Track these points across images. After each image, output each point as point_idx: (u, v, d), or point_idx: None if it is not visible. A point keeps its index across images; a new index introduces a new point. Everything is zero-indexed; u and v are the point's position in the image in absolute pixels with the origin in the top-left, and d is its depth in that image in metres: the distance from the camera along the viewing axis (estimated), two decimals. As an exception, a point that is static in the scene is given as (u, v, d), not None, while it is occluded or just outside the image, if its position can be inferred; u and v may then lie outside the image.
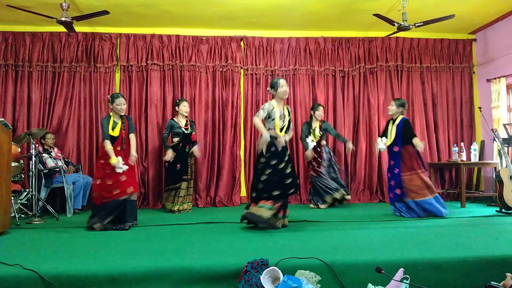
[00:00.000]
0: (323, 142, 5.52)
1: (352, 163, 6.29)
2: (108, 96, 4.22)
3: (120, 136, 4.06)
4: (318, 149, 5.47)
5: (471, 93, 6.57)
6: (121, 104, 4.07)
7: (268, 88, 3.94)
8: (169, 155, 5.11)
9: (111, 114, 4.11)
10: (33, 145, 4.56)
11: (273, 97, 3.89)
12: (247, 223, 3.84)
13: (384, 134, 4.77)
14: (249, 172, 6.15)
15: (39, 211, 4.64)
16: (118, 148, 4.03)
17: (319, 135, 5.51)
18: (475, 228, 3.75)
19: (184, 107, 5.28)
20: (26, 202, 4.75)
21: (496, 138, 5.00)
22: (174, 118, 5.33)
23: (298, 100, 6.26)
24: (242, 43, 6.31)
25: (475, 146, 5.74)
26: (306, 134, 5.54)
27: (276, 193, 3.69)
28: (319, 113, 5.52)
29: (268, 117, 3.80)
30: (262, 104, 4.02)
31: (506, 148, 5.08)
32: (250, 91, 6.23)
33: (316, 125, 5.54)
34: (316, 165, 5.44)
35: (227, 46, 6.24)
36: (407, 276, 2.22)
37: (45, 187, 5.00)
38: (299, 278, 2.25)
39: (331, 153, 5.65)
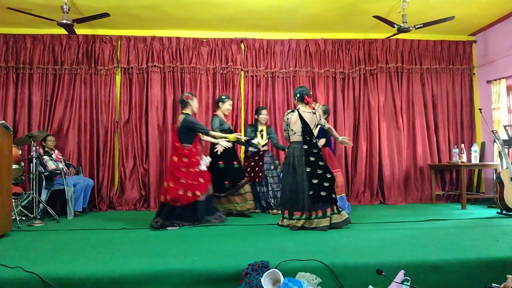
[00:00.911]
0: (266, 148, 5.26)
1: (353, 164, 6.29)
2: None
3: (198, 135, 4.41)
4: (261, 152, 5.20)
5: (471, 95, 6.57)
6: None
7: (309, 95, 4.12)
8: (225, 143, 4.51)
9: (189, 113, 4.37)
10: (34, 148, 4.56)
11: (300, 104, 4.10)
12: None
13: None
14: (250, 174, 6.14)
15: (40, 214, 4.64)
16: (199, 147, 4.33)
17: (267, 138, 5.29)
18: (476, 230, 3.75)
19: (230, 106, 5.12)
20: (27, 204, 4.75)
21: (496, 140, 4.99)
22: (217, 114, 5.07)
23: (298, 102, 6.25)
24: (242, 45, 6.32)
25: (475, 148, 5.74)
26: (250, 136, 5.24)
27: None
28: (263, 116, 5.31)
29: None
30: (317, 112, 4.17)
31: (506, 150, 5.08)
32: (250, 93, 6.23)
33: (262, 128, 5.34)
34: (256, 170, 5.16)
35: (228, 48, 6.24)
36: (408, 278, 2.23)
37: (45, 189, 4.99)
38: (299, 280, 2.25)
39: (273, 161, 5.40)
